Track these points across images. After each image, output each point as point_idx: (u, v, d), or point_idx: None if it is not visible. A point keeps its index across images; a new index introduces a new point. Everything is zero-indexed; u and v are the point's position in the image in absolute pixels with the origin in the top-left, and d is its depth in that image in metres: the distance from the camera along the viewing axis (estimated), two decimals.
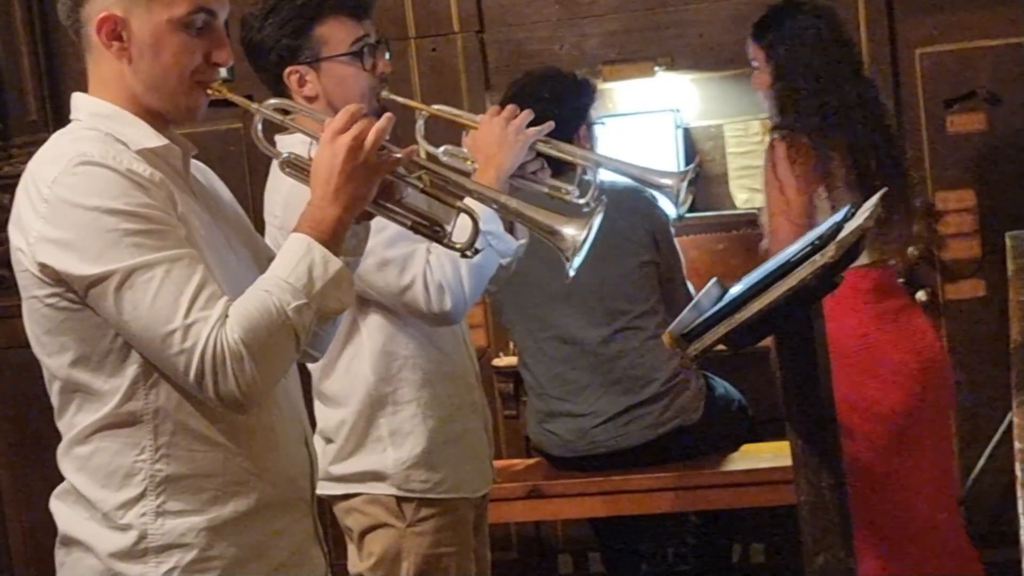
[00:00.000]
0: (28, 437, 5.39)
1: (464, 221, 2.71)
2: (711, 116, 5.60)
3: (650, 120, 5.60)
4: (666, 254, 4.83)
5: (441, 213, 2.77)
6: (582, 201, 3.37)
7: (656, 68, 5.56)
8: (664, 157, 5.43)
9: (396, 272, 3.42)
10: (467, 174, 3.34)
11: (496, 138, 3.47)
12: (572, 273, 2.86)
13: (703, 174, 5.44)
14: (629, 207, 4.72)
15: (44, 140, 2.65)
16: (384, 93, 3.52)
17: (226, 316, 2.45)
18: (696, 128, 5.58)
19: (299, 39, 3.48)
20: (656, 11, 5.62)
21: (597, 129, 4.84)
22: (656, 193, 3.65)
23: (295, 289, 2.49)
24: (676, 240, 4.88)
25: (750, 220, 5.47)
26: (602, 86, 5.63)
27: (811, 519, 3.24)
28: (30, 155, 2.64)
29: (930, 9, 5.43)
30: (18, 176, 2.62)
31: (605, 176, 4.94)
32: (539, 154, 3.54)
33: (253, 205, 5.65)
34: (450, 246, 2.72)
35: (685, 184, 3.47)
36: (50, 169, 2.50)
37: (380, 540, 3.57)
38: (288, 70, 3.51)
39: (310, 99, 3.50)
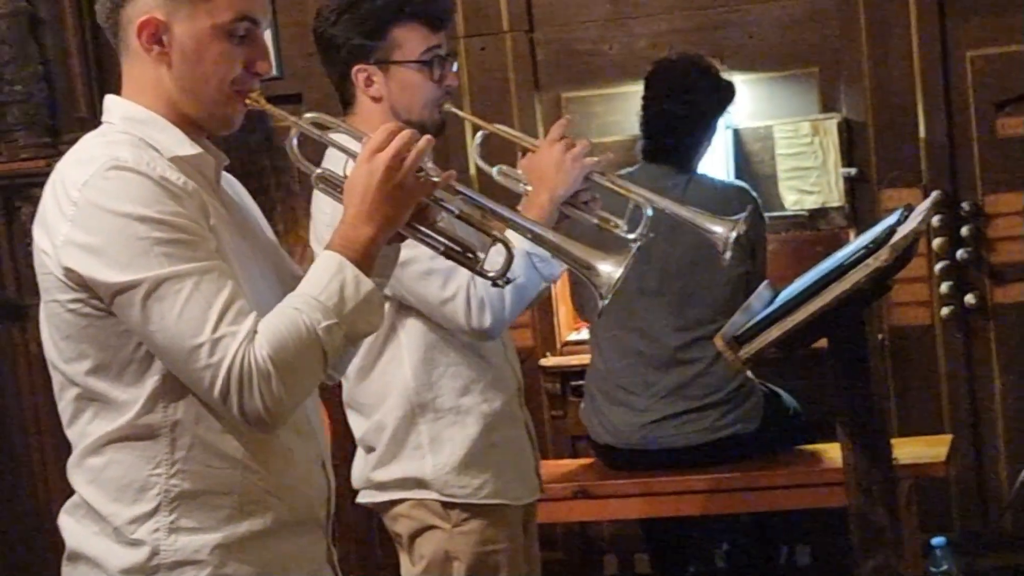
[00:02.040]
0: None
1: (500, 249, 2.64)
2: (761, 117, 5.57)
3: None
4: (759, 264, 4.83)
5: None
6: (631, 236, 3.33)
7: None
8: (714, 157, 5.41)
9: (439, 283, 3.40)
10: (514, 203, 3.33)
11: (553, 163, 3.45)
12: (601, 307, 2.83)
13: (754, 176, 5.42)
14: (735, 210, 4.73)
15: None
16: (447, 106, 3.53)
17: (255, 332, 2.39)
18: (746, 129, 5.56)
19: (373, 40, 3.47)
20: (706, 11, 5.60)
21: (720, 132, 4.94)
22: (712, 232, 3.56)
23: (326, 308, 2.43)
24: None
25: (800, 222, 5.46)
26: None
27: (861, 523, 3.23)
28: None
29: (981, 11, 5.40)
30: None
31: (705, 169, 5.00)
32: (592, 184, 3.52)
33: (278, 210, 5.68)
34: (482, 274, 2.66)
35: (734, 234, 3.43)
36: (81, 171, 2.44)
37: (429, 543, 3.55)
38: (356, 68, 3.50)
39: (375, 100, 3.50)
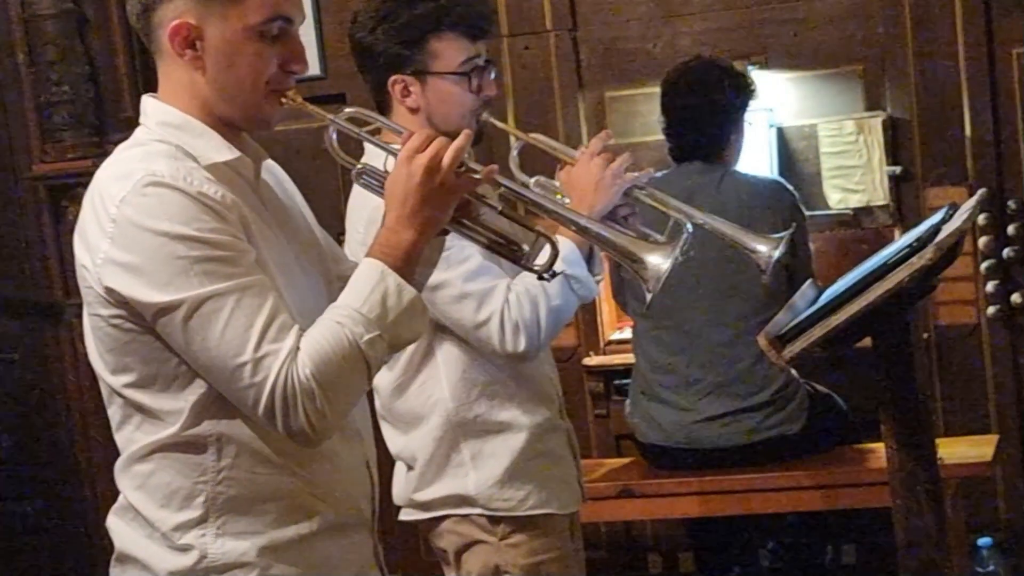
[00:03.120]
0: None
1: (543, 244, 2.63)
2: (805, 115, 5.56)
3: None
4: (801, 257, 4.80)
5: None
6: (674, 253, 3.30)
7: (750, 66, 5.52)
8: (757, 156, 5.40)
9: (473, 307, 3.37)
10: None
11: (593, 179, 3.42)
12: (650, 300, 2.81)
13: (798, 174, 5.42)
14: (770, 204, 4.72)
15: None
16: (484, 116, 3.48)
17: (298, 349, 2.38)
18: (790, 127, 5.54)
19: (411, 50, 3.41)
20: (750, 9, 5.59)
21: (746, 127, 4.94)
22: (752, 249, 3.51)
23: (368, 320, 2.41)
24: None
25: (844, 220, 5.44)
26: None
27: (906, 522, 3.22)
28: None
29: None
30: None
31: (747, 167, 4.99)
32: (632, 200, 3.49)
33: (321, 201, 5.68)
34: (527, 267, 2.64)
35: (778, 252, 3.40)
36: (118, 186, 2.42)
37: (477, 557, 3.52)
38: (393, 78, 3.44)
39: (412, 111, 3.45)
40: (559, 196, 3.51)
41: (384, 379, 3.49)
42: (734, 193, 4.73)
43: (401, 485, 3.59)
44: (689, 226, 3.34)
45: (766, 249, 3.42)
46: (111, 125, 5.89)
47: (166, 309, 2.38)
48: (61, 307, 5.98)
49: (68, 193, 5.82)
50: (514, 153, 3.65)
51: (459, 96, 3.45)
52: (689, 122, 4.81)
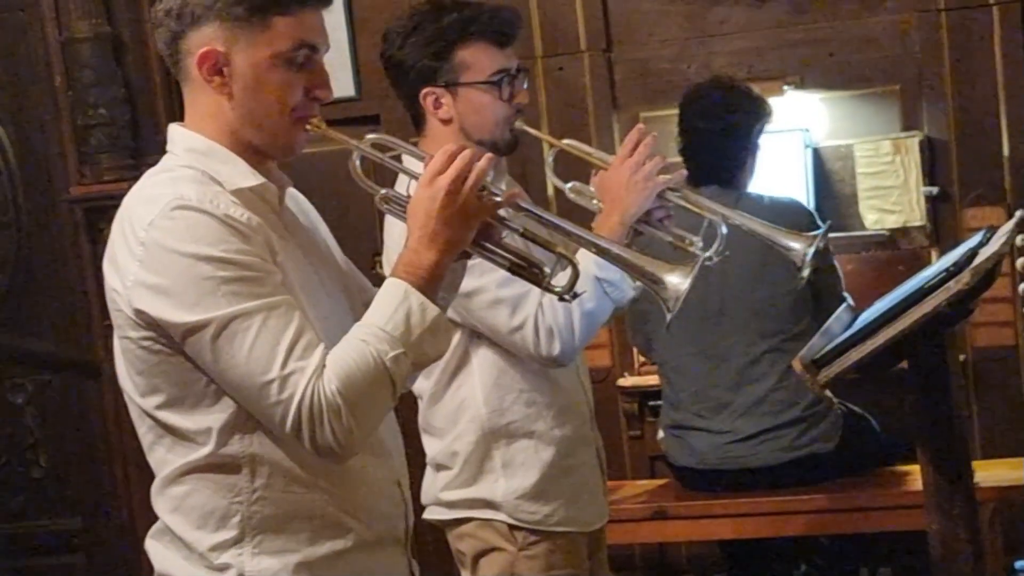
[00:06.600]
0: None
1: (565, 266, 2.65)
2: (841, 136, 5.55)
3: (779, 139, 5.54)
4: (825, 273, 4.76)
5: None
6: (706, 254, 3.32)
7: (785, 87, 5.52)
8: (793, 177, 5.39)
9: (507, 312, 3.39)
10: (590, 220, 3.33)
11: (625, 182, 3.45)
12: (669, 320, 2.80)
13: (834, 195, 5.40)
14: (790, 223, 4.71)
15: None
16: (517, 124, 3.49)
17: (323, 366, 2.42)
18: (826, 148, 5.54)
19: (440, 61, 3.43)
20: (786, 30, 5.59)
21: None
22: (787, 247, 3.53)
23: (392, 338, 2.45)
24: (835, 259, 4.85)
25: (880, 241, 5.43)
26: None
27: (942, 546, 3.20)
28: None
29: None
30: None
31: (781, 187, 4.97)
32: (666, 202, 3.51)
33: (357, 223, 5.70)
34: (549, 289, 2.66)
35: (812, 250, 3.40)
36: (146, 210, 2.46)
37: (493, 564, 3.53)
38: (424, 91, 3.46)
39: (444, 122, 3.46)
40: (595, 201, 3.54)
41: (422, 386, 3.52)
42: (753, 215, 4.72)
43: (429, 485, 3.61)
44: (724, 228, 3.35)
45: (800, 246, 3.43)
46: (147, 147, 5.92)
47: (194, 329, 2.41)
48: (97, 364, 6.02)
49: (105, 215, 5.84)
50: (549, 159, 3.68)
51: (490, 105, 3.46)
52: (706, 145, 4.78)
